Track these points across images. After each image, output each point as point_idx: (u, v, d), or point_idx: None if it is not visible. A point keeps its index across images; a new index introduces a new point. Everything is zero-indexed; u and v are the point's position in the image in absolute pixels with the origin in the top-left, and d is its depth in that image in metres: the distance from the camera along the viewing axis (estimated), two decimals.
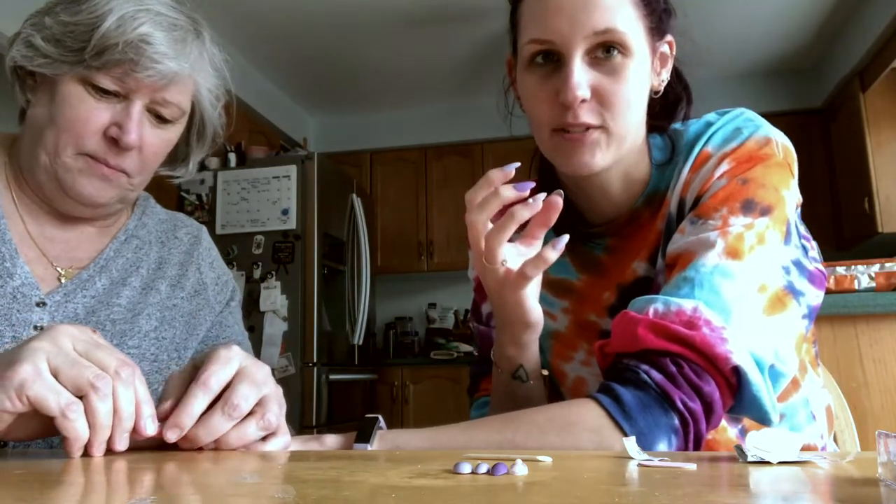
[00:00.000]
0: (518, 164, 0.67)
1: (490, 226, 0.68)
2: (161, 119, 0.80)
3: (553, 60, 0.71)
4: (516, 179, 0.66)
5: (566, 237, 0.66)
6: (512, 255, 0.69)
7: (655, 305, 0.65)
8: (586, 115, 0.70)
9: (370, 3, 3.53)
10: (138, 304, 0.84)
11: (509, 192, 0.65)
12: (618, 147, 0.73)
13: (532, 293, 0.71)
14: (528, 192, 0.65)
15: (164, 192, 3.47)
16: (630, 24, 0.70)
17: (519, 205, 0.65)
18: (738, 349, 0.62)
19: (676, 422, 0.61)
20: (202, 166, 3.48)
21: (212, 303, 0.93)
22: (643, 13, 0.71)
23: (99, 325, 0.79)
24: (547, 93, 0.72)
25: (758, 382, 0.62)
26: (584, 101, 0.69)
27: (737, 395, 0.64)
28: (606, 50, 0.69)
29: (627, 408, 0.61)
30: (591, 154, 0.72)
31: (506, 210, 0.66)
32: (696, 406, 0.61)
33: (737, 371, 0.62)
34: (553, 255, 0.66)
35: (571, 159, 0.73)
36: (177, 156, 0.90)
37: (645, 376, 0.62)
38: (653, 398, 0.62)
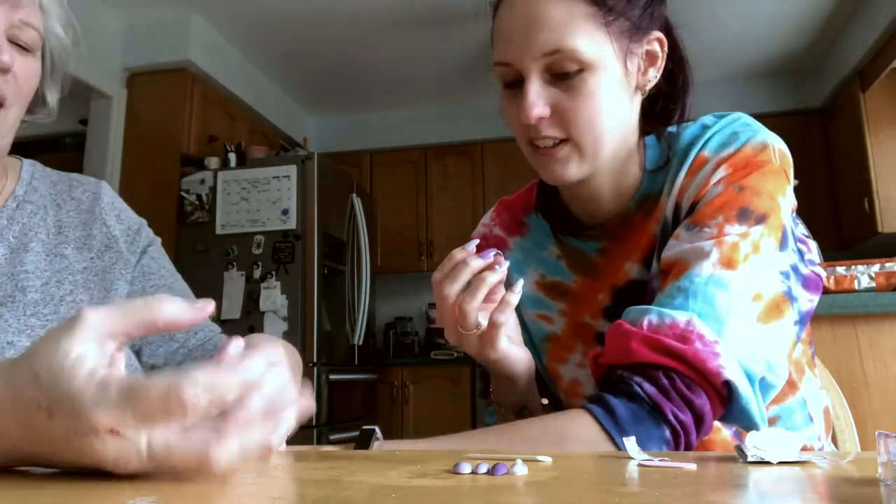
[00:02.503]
0: (477, 242, 0.73)
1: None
2: (21, 47, 0.77)
3: (518, 79, 0.73)
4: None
5: (521, 282, 0.73)
6: (481, 317, 0.74)
7: (650, 317, 0.66)
8: (548, 131, 0.73)
9: (370, 3, 3.53)
10: (45, 271, 0.81)
11: (477, 262, 0.71)
12: (592, 158, 0.74)
13: (512, 341, 0.76)
14: (492, 259, 0.71)
15: (164, 191, 3.47)
16: (584, 38, 0.70)
17: (487, 271, 0.71)
18: (730, 363, 0.63)
19: (668, 433, 0.63)
20: (202, 166, 3.49)
21: (125, 256, 0.88)
22: (604, 21, 0.70)
23: (8, 297, 0.76)
24: (515, 110, 0.74)
25: (748, 395, 0.64)
26: (542, 118, 0.72)
27: (727, 406, 0.65)
28: (563, 68, 0.70)
29: (620, 420, 0.62)
30: (564, 167, 0.75)
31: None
32: (687, 418, 0.63)
33: (728, 385, 0.63)
34: (515, 297, 0.71)
35: (545, 171, 0.76)
36: (35, 97, 0.85)
37: (638, 388, 0.63)
38: (645, 411, 0.63)
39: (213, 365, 0.37)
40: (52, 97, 0.86)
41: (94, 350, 0.38)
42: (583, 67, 0.70)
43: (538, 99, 0.71)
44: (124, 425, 0.35)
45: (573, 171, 0.75)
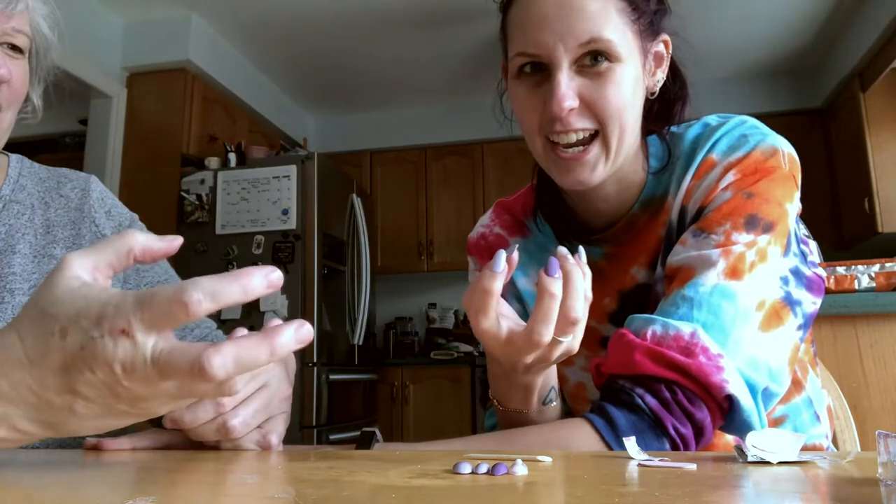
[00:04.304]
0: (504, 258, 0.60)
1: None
2: (15, 48, 0.77)
3: (541, 70, 0.72)
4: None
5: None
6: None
7: (654, 328, 0.66)
8: (577, 122, 0.70)
9: (370, 3, 3.53)
10: (33, 273, 0.80)
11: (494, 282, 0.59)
12: (615, 156, 0.73)
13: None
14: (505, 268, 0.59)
15: (164, 191, 3.47)
16: (616, 31, 0.69)
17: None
18: (733, 377, 0.63)
19: (668, 446, 0.63)
20: (202, 166, 3.48)
21: None
22: (631, 18, 0.71)
23: None
24: (536, 102, 0.72)
25: (749, 408, 0.64)
26: (571, 109, 0.70)
27: (728, 417, 0.65)
28: (593, 58, 0.69)
29: (621, 431, 0.62)
30: (591, 170, 0.72)
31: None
32: (687, 431, 0.63)
33: (730, 398, 0.63)
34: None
35: (568, 176, 0.73)
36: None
37: (639, 400, 0.64)
38: (646, 423, 0.63)
39: (218, 275, 0.39)
40: (37, 94, 0.86)
41: (91, 279, 0.41)
42: (613, 59, 0.69)
43: (568, 90, 0.69)
44: (136, 327, 0.37)
45: (599, 173, 0.73)
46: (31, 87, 0.84)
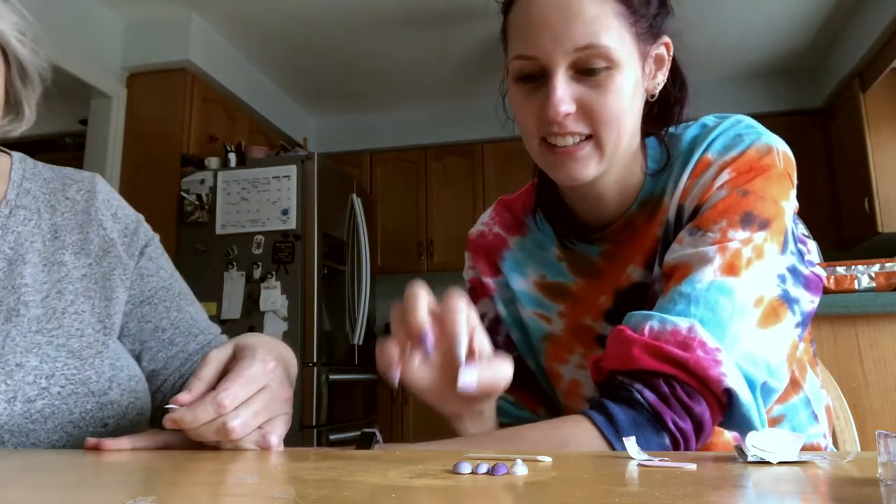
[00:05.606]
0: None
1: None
2: None
3: (539, 74, 0.72)
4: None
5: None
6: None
7: (651, 323, 0.66)
8: (574, 126, 0.71)
9: (371, 3, 3.53)
10: (44, 283, 0.77)
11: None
12: (609, 157, 0.73)
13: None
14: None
15: (164, 191, 3.47)
16: (614, 36, 0.69)
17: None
18: (731, 371, 0.63)
19: (667, 441, 0.63)
20: (202, 166, 3.49)
21: (124, 259, 0.85)
22: (630, 21, 0.71)
23: (12, 312, 0.73)
24: (533, 105, 0.73)
25: (748, 402, 0.64)
26: (568, 114, 0.70)
27: (727, 412, 0.65)
28: (591, 63, 0.70)
29: (620, 427, 0.62)
30: (583, 166, 0.73)
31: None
32: (687, 426, 0.63)
33: (728, 392, 0.63)
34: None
35: (561, 171, 0.74)
36: (9, 105, 0.80)
37: (638, 395, 0.64)
38: (645, 418, 0.63)
39: None
40: (30, 100, 0.81)
41: None
42: (610, 65, 0.70)
43: (565, 94, 0.70)
44: None
45: (591, 170, 0.73)
46: (22, 96, 0.80)
